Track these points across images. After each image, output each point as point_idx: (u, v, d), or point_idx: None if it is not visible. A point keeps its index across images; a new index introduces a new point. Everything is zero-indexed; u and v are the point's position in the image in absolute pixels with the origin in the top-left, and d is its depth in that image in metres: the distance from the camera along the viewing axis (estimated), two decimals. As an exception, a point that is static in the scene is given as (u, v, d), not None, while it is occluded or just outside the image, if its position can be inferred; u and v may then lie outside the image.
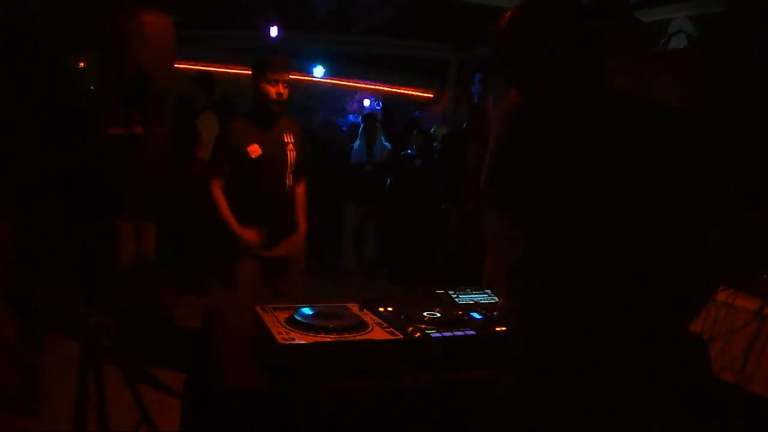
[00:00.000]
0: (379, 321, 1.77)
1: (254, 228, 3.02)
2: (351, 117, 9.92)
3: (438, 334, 1.71)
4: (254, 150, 2.95)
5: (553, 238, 1.37)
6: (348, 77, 9.33)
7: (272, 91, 2.91)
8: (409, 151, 6.43)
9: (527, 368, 1.38)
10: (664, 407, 1.33)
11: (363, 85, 9.79)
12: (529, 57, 1.35)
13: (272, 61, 2.97)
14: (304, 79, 8.68)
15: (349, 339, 1.62)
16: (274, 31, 7.21)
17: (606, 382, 1.32)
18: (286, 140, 3.04)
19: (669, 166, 1.30)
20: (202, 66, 6.72)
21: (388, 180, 6.24)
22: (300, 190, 3.20)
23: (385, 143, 6.10)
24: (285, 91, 2.94)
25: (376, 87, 9.79)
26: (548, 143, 1.35)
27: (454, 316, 1.87)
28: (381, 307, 1.90)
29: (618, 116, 1.34)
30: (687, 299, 1.38)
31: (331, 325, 1.66)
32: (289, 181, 3.07)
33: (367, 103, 10.05)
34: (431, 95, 9.48)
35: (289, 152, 3.04)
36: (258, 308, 1.79)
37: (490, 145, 1.45)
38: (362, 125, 6.18)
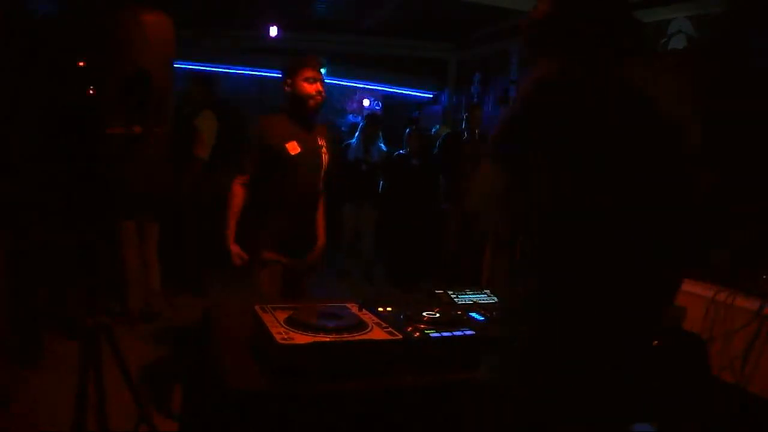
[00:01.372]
0: (379, 321, 1.77)
1: (277, 239, 2.89)
2: (350, 117, 9.91)
3: (437, 334, 1.71)
4: (293, 147, 2.84)
5: (570, 218, 1.35)
6: (348, 77, 9.32)
7: (311, 88, 2.84)
8: (401, 151, 6.39)
9: (533, 360, 1.38)
10: (661, 403, 1.34)
11: (363, 85, 9.78)
12: (573, 32, 1.41)
13: (309, 59, 2.90)
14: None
15: (349, 339, 1.61)
16: (274, 31, 7.21)
17: (613, 379, 1.34)
18: (320, 143, 2.97)
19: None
20: (202, 66, 6.71)
21: (381, 181, 6.21)
22: (321, 198, 3.11)
23: (382, 145, 6.06)
24: (323, 90, 2.87)
25: (376, 87, 9.79)
26: (576, 120, 1.34)
27: (454, 316, 1.87)
28: (380, 307, 1.90)
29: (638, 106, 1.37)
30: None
31: (330, 325, 1.66)
32: (321, 184, 3.00)
33: (366, 103, 10.04)
34: (431, 95, 9.48)
35: (323, 155, 2.96)
36: (258, 308, 1.79)
37: (509, 111, 1.45)
38: (362, 124, 6.12)
